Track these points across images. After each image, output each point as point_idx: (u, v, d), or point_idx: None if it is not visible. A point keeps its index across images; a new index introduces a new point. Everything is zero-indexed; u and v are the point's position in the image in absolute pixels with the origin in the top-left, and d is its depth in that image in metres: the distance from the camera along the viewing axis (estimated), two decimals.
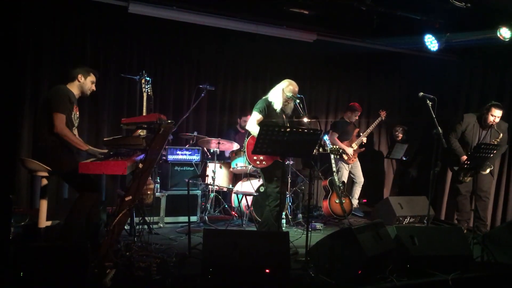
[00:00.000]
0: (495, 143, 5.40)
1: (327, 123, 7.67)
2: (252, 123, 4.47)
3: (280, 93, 4.60)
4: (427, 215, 5.23)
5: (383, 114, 6.97)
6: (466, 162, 5.03)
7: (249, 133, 4.57)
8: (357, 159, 6.84)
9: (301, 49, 7.21)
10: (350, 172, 6.87)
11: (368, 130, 6.88)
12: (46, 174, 3.89)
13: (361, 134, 6.90)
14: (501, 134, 5.49)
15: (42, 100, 4.17)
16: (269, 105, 4.58)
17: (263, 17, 6.45)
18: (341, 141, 6.68)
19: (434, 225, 6.11)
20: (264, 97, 4.67)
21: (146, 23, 6.21)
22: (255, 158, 4.43)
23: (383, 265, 3.81)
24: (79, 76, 4.10)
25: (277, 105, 4.58)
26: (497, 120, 5.48)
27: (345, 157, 6.59)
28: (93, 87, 4.22)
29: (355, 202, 6.81)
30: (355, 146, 6.68)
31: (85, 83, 4.14)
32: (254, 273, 3.48)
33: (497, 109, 5.45)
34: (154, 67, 6.48)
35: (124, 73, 5.72)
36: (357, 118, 6.89)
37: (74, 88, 4.10)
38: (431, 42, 6.56)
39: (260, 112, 4.53)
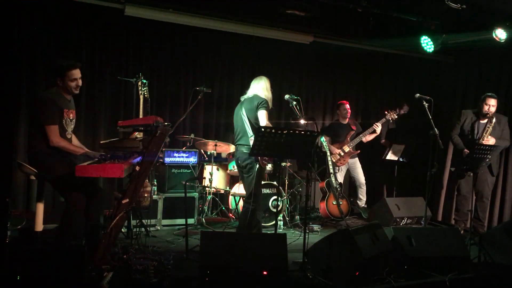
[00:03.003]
0: (489, 128, 5.54)
1: (324, 125, 7.68)
2: (267, 122, 4.46)
3: (269, 90, 4.67)
4: (424, 216, 5.25)
5: (390, 115, 6.74)
6: (463, 163, 5.06)
7: None
8: (356, 161, 6.85)
9: (297, 50, 7.22)
10: (351, 174, 6.89)
11: (370, 130, 6.67)
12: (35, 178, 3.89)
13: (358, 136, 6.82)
14: (494, 118, 5.60)
15: (31, 111, 4.08)
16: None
17: (260, 19, 6.46)
18: (333, 143, 6.69)
19: (431, 226, 6.13)
20: (262, 97, 4.60)
21: (143, 25, 6.21)
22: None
23: (380, 267, 3.80)
24: (58, 80, 3.86)
25: (271, 103, 4.65)
26: (492, 109, 5.63)
27: (333, 158, 6.46)
28: (78, 83, 3.90)
29: (361, 202, 6.84)
30: (346, 148, 6.61)
31: (65, 85, 3.87)
32: (252, 275, 3.48)
33: (491, 98, 5.65)
34: (150, 70, 6.47)
35: (121, 76, 5.71)
36: (346, 112, 6.81)
37: (62, 91, 3.91)
38: (427, 44, 6.59)
39: (268, 110, 4.54)
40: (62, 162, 3.84)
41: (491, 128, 5.56)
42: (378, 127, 6.62)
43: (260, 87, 4.66)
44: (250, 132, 4.51)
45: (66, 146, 3.82)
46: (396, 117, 6.81)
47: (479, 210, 5.67)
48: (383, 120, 6.68)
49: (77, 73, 3.88)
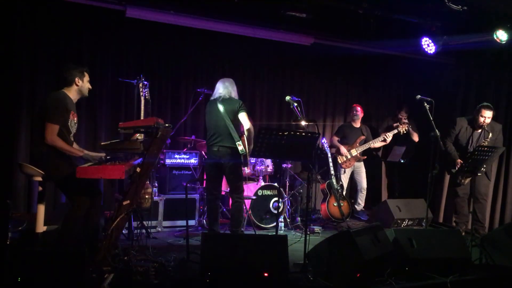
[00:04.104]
0: (485, 143, 5.46)
1: (325, 126, 7.68)
2: (250, 123, 4.73)
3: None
4: (426, 218, 5.24)
5: (403, 127, 6.66)
6: (463, 164, 5.04)
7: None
8: (362, 165, 6.84)
9: (298, 52, 7.22)
10: (353, 178, 6.88)
11: (380, 138, 6.66)
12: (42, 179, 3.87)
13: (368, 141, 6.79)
14: (490, 134, 5.54)
15: (39, 106, 4.12)
16: None
17: (260, 20, 6.46)
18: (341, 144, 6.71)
19: (433, 228, 6.12)
20: (238, 99, 4.87)
21: (144, 27, 6.21)
22: None
23: (381, 268, 3.80)
24: (76, 79, 4.00)
25: None
26: (488, 120, 5.56)
27: (339, 159, 6.53)
28: (89, 86, 4.15)
29: (358, 207, 6.81)
30: (354, 152, 6.62)
31: (83, 85, 4.05)
32: (253, 276, 3.47)
33: (487, 110, 5.55)
34: (151, 71, 6.47)
35: (122, 77, 5.71)
36: (357, 116, 6.83)
37: (72, 93, 4.01)
38: (428, 45, 6.58)
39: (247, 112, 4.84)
40: (68, 163, 3.86)
41: (487, 144, 5.51)
42: (388, 138, 6.64)
43: (233, 89, 4.88)
44: (236, 136, 4.65)
45: (62, 146, 3.78)
46: (408, 128, 6.75)
47: (477, 211, 5.66)
48: (395, 131, 6.66)
49: (88, 76, 4.14)
